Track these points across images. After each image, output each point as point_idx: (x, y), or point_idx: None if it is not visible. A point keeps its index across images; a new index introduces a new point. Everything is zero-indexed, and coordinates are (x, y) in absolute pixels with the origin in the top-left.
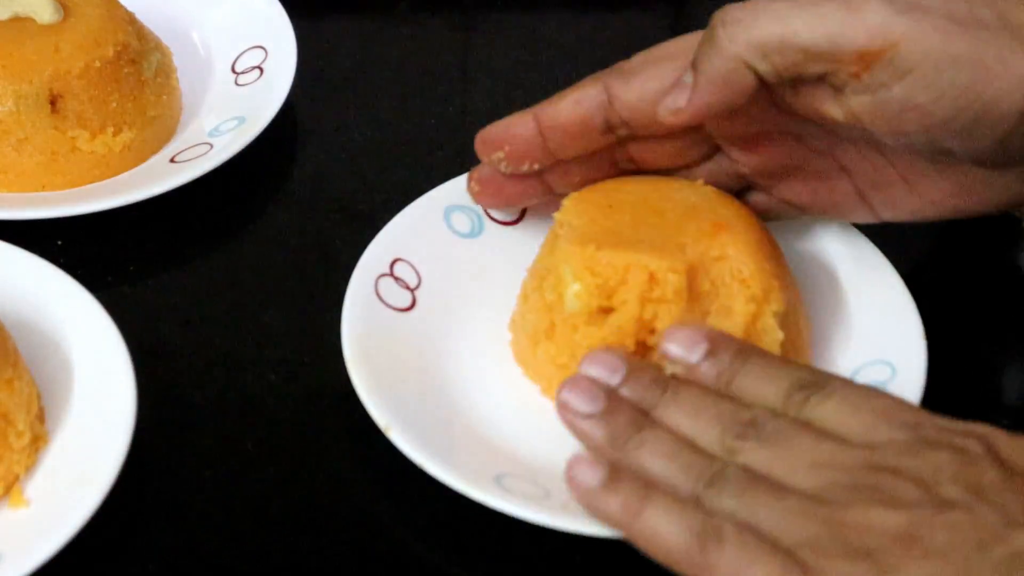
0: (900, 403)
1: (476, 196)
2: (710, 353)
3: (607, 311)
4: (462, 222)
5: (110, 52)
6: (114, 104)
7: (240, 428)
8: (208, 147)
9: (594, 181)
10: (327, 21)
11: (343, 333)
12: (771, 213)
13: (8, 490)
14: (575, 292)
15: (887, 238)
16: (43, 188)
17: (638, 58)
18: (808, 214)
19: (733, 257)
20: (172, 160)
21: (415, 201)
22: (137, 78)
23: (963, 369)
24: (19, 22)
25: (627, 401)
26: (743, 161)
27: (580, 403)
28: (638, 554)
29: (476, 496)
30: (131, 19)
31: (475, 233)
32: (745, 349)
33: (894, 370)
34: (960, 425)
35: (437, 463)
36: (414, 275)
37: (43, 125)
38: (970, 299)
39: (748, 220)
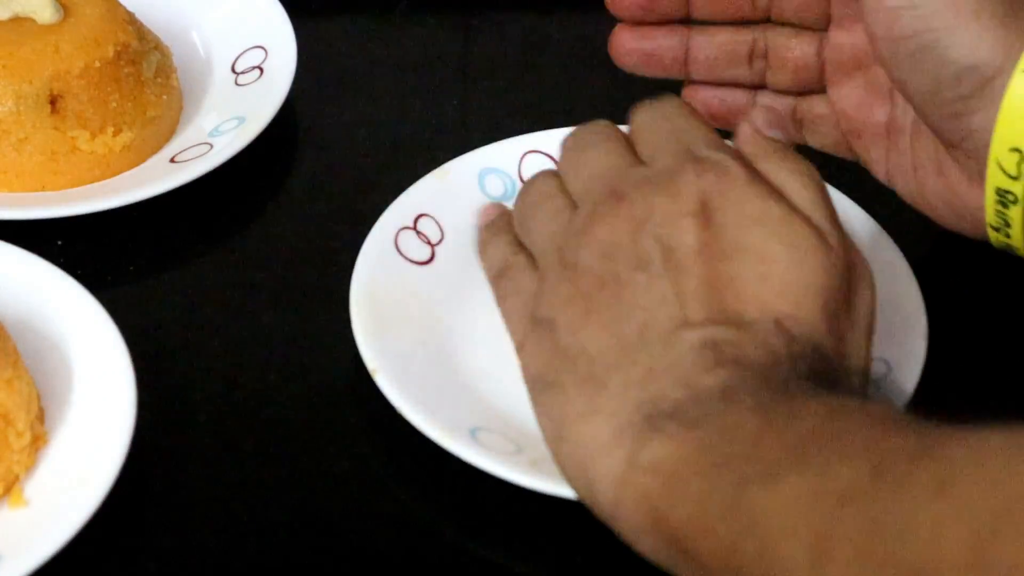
0: (694, 125)
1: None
2: None
3: None
4: (495, 186)
5: (110, 52)
6: (114, 104)
7: (240, 428)
8: (208, 147)
9: (718, 15)
10: (327, 21)
11: (353, 274)
12: (816, 135)
13: (8, 490)
14: None
15: (906, 238)
16: (43, 188)
17: None
18: (842, 147)
19: None
20: (172, 160)
21: (450, 161)
22: (137, 78)
23: (960, 369)
24: (19, 22)
25: None
26: (834, 36)
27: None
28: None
29: (445, 444)
30: (131, 19)
31: (507, 197)
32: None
33: (889, 367)
34: (714, 154)
35: (415, 409)
36: (437, 231)
37: (43, 125)
38: (977, 300)
39: None
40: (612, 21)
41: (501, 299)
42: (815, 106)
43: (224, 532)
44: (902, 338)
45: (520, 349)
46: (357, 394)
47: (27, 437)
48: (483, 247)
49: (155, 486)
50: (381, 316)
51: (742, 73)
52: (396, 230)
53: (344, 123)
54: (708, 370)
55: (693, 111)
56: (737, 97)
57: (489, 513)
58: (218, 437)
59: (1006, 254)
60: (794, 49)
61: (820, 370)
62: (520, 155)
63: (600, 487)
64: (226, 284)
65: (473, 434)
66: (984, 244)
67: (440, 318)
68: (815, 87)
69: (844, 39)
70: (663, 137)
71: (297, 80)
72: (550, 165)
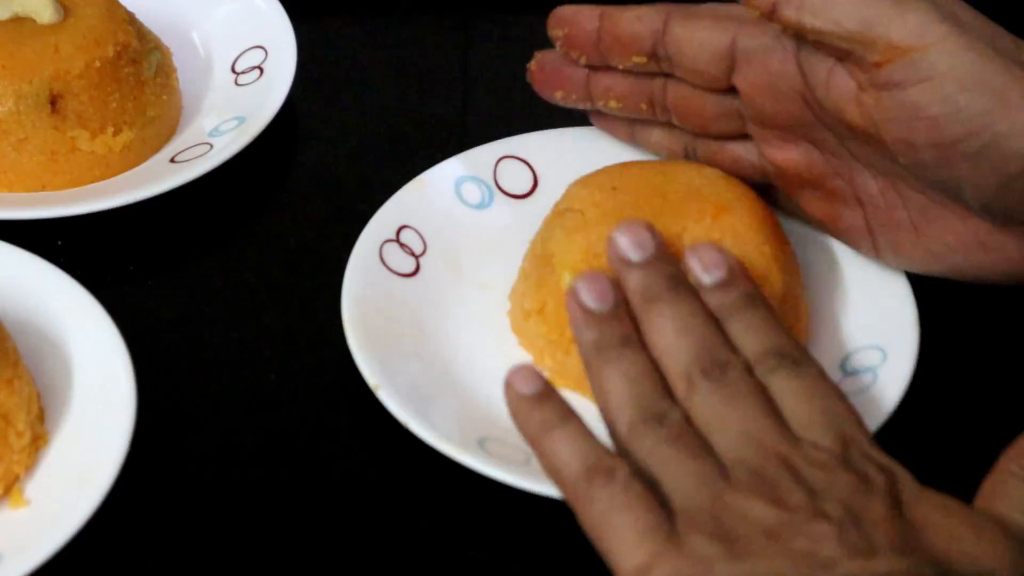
0: (852, 417)
1: (531, 74)
2: (723, 284)
3: None
4: (472, 193)
5: (110, 52)
6: (114, 104)
7: (240, 428)
8: (208, 147)
9: (629, 113)
10: (327, 21)
11: (343, 293)
12: (785, 210)
13: (8, 490)
14: (567, 283)
15: None
16: (43, 188)
17: (706, 7)
18: (817, 229)
19: (732, 240)
20: (172, 160)
21: (426, 171)
22: (137, 78)
23: (954, 357)
24: (19, 22)
25: (627, 317)
26: (768, 155)
27: (588, 298)
28: None
29: (456, 456)
30: (131, 19)
31: (484, 204)
32: (754, 296)
33: (885, 355)
34: (885, 459)
35: (421, 423)
36: (420, 242)
37: (43, 125)
38: (966, 288)
39: (751, 203)
40: None
41: (595, 504)
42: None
43: (224, 532)
44: (895, 328)
45: (646, 570)
46: (357, 394)
47: (27, 437)
48: (542, 435)
49: (155, 486)
50: (375, 331)
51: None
52: (380, 243)
53: (344, 123)
54: None
55: (832, 386)
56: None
57: (492, 505)
58: (218, 437)
59: None
60: (725, 152)
61: None
62: (494, 161)
63: None
64: (226, 284)
65: (482, 444)
66: None
67: (431, 329)
68: (767, 182)
69: (779, 157)
70: (813, 409)
71: (297, 80)
72: (525, 170)
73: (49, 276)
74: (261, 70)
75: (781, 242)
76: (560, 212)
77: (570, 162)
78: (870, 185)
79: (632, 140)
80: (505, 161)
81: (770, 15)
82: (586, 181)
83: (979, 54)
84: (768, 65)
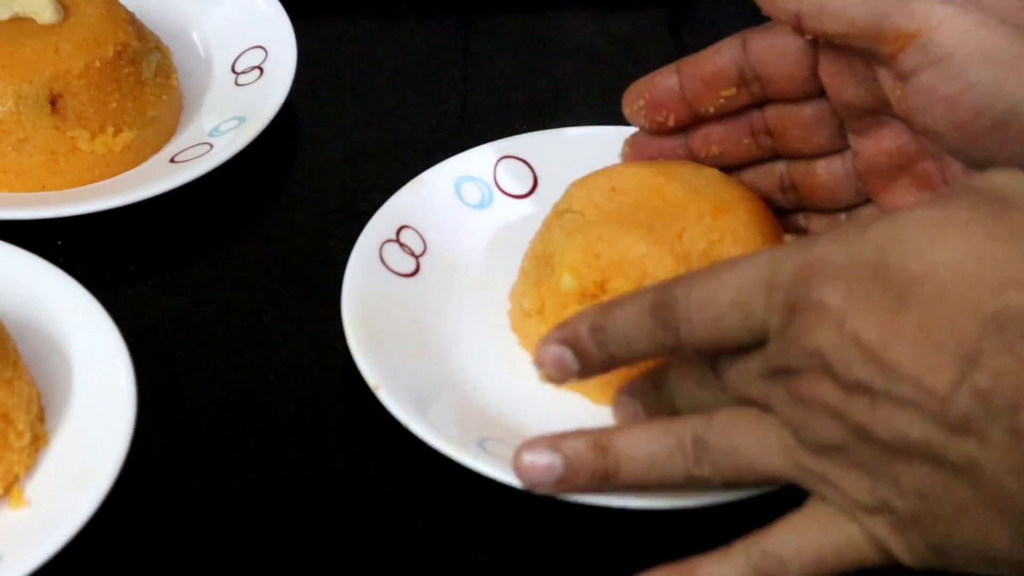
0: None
1: (626, 156)
2: None
3: (597, 294)
4: (472, 193)
5: (110, 52)
6: (114, 104)
7: (240, 428)
8: (208, 147)
9: (734, 155)
10: (327, 21)
11: (343, 293)
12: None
13: (8, 490)
14: (566, 284)
15: None
16: (43, 188)
17: None
18: None
19: (732, 240)
20: (172, 160)
21: (426, 171)
22: (137, 78)
23: None
24: (19, 22)
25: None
26: (862, 150)
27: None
28: (613, 517)
29: (455, 456)
30: (131, 19)
31: (484, 204)
32: None
33: None
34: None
35: (421, 423)
36: (420, 242)
37: (43, 125)
38: None
39: (750, 203)
40: (612, 21)
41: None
42: (869, 213)
43: (224, 532)
44: None
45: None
46: (357, 394)
47: (27, 437)
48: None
49: (155, 486)
50: (375, 331)
51: (780, 203)
52: (380, 243)
53: (344, 123)
54: None
55: None
56: (793, 224)
57: (490, 500)
58: (218, 437)
59: None
60: (820, 172)
61: None
62: (494, 161)
63: None
64: (226, 284)
65: (482, 444)
66: None
67: (431, 329)
68: (858, 200)
69: (872, 148)
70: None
71: (297, 80)
72: (525, 170)
73: (49, 276)
74: (261, 70)
75: (780, 242)
76: (559, 213)
77: (570, 162)
78: (955, 164)
79: None
80: (505, 161)
81: (796, 27)
82: (585, 182)
83: (987, 28)
84: (842, 53)
